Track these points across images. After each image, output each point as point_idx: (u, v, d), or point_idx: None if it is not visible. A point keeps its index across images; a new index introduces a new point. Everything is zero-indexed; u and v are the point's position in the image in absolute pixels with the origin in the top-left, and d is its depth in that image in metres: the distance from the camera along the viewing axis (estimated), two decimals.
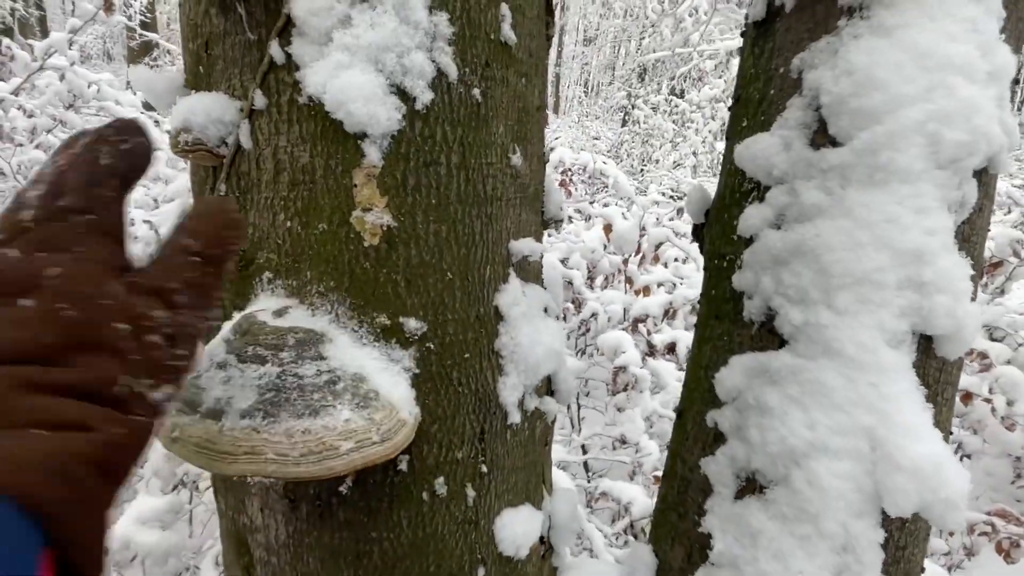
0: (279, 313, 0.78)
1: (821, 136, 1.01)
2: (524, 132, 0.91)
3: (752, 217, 1.09)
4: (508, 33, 0.84)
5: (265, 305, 0.81)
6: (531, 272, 0.96)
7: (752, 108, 1.16)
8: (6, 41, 4.03)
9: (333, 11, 0.73)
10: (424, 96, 0.76)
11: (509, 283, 0.88)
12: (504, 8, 0.83)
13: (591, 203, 4.63)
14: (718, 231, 1.21)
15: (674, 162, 10.94)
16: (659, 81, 11.30)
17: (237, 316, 0.82)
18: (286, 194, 0.80)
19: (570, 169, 4.90)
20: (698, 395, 1.17)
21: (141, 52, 12.96)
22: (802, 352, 0.99)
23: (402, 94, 0.76)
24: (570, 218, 4.26)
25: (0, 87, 3.92)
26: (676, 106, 11.18)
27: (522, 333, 0.88)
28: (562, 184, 4.79)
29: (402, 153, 0.77)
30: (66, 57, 3.90)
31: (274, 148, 0.80)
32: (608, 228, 3.30)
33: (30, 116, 4.38)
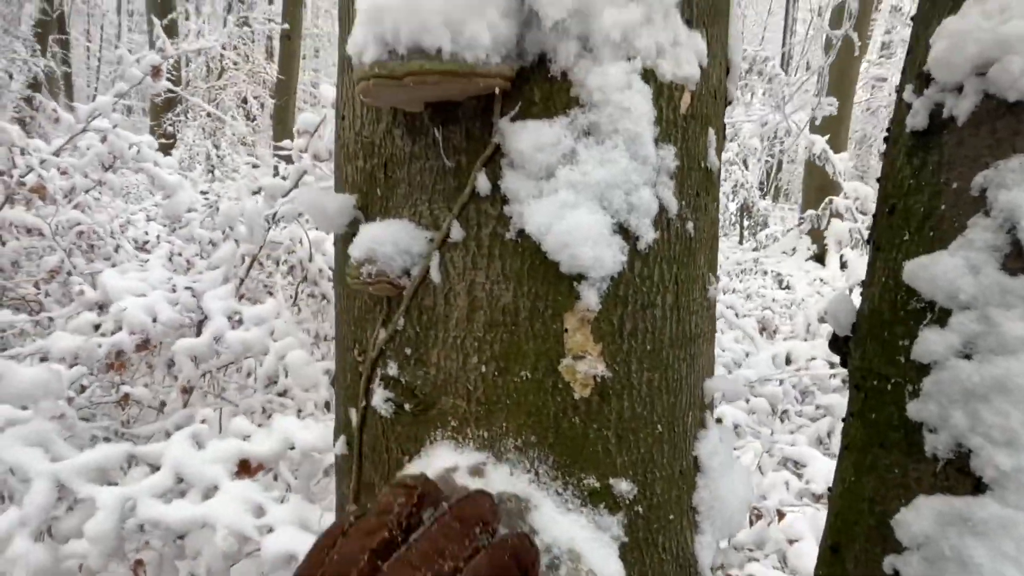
0: (476, 472, 0.69)
1: (1016, 261, 0.94)
2: (714, 258, 0.84)
3: (933, 343, 1.01)
4: (713, 159, 0.78)
5: (451, 459, 0.72)
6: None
7: (916, 222, 1.10)
8: (52, 104, 4.04)
9: (559, 146, 0.67)
10: (648, 235, 0.69)
11: (708, 429, 0.80)
12: (711, 133, 0.78)
13: None
14: (875, 349, 1.13)
15: None
16: None
17: (415, 467, 0.73)
18: (481, 335, 0.72)
19: None
20: (861, 531, 1.07)
21: (164, 107, 13.18)
22: (1014, 502, 0.89)
23: (625, 233, 0.69)
24: None
25: (43, 148, 3.91)
26: None
27: (721, 485, 0.78)
28: None
29: (620, 296, 0.69)
30: (109, 120, 3.91)
31: (469, 284, 0.72)
32: None
33: (63, 173, 4.36)
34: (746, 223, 11.43)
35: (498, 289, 0.71)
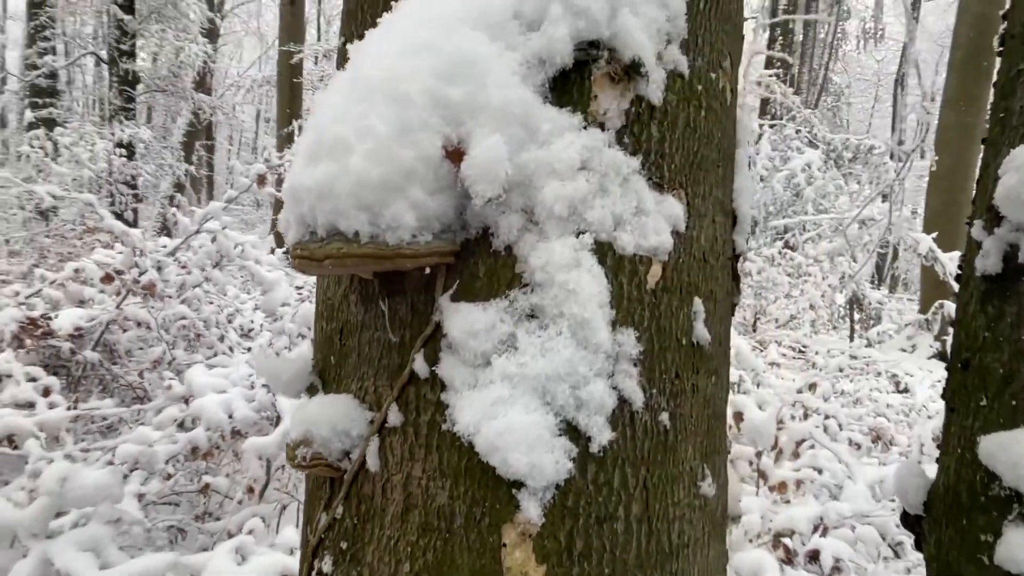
0: None
1: None
2: (714, 444, 0.71)
3: (1021, 549, 0.81)
4: (701, 332, 0.67)
5: None
6: None
7: (994, 386, 0.91)
8: (171, 209, 4.47)
9: (494, 331, 0.59)
10: (602, 435, 0.58)
11: None
12: (697, 303, 0.67)
13: None
14: (952, 539, 0.92)
15: (791, 316, 10.35)
16: (771, 233, 11.02)
17: None
18: (415, 539, 0.62)
19: None
20: None
21: (278, 206, 14.36)
22: None
23: (574, 433, 0.59)
24: None
25: (161, 247, 4.30)
26: (791, 259, 10.79)
27: None
28: None
29: (569, 507, 0.58)
30: (220, 222, 4.25)
31: (405, 476, 0.64)
32: (738, 417, 2.95)
33: (183, 267, 4.75)
34: (857, 316, 10.63)
35: (434, 487, 0.62)
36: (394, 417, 0.65)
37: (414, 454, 0.64)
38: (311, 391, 0.77)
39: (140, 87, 11.51)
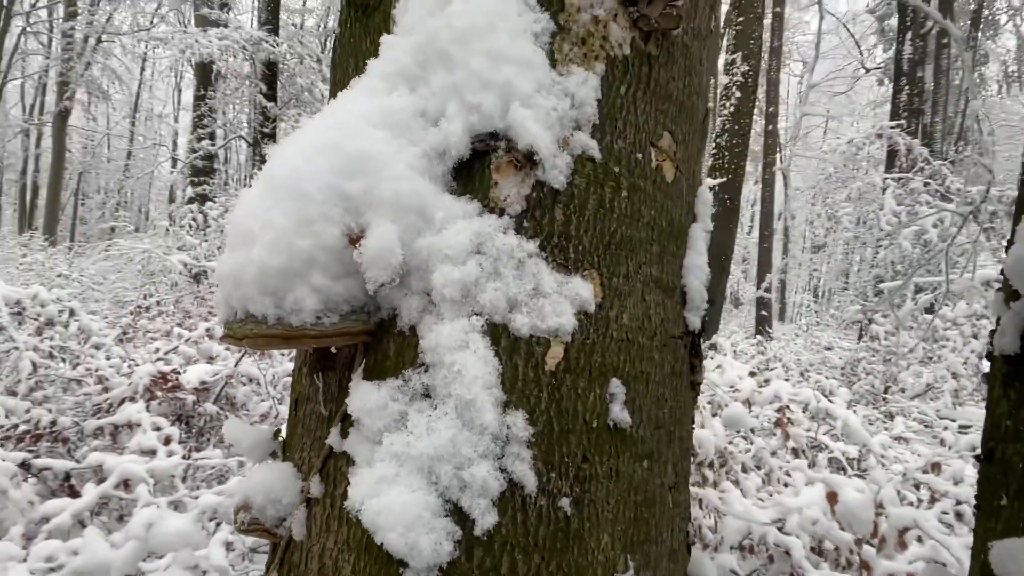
0: None
1: None
2: (644, 533, 0.67)
3: None
4: (620, 414, 0.65)
5: None
6: None
7: (1017, 481, 0.80)
8: None
9: (387, 409, 0.61)
10: (486, 518, 0.58)
11: None
12: (615, 384, 0.66)
13: (812, 459, 3.94)
14: None
15: (927, 386, 9.33)
16: (902, 295, 10.11)
17: None
18: None
19: (787, 406, 4.31)
20: None
21: None
22: None
23: (459, 515, 0.59)
24: (788, 473, 3.61)
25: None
26: (926, 322, 9.82)
27: None
28: (778, 424, 4.20)
29: None
30: None
31: (321, 548, 0.66)
32: (832, 498, 2.68)
33: None
34: None
35: (342, 559, 0.64)
36: (315, 488, 0.68)
37: (330, 525, 0.66)
38: (274, 456, 0.82)
39: None
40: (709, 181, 1.12)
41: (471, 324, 0.61)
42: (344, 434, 0.66)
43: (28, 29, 20.12)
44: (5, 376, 3.88)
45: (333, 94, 0.82)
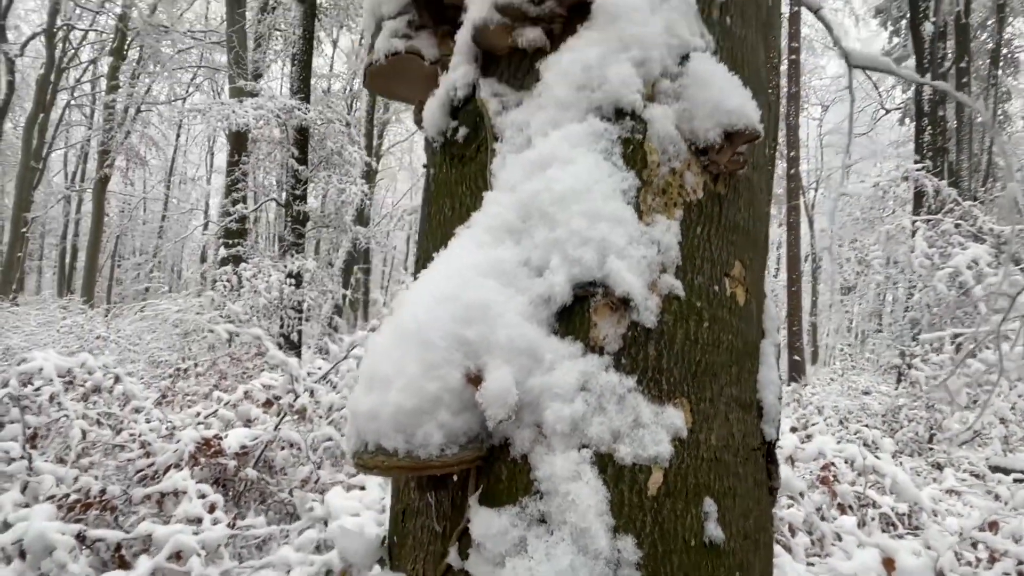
0: None
1: None
2: None
3: None
4: (714, 531, 0.72)
5: None
6: None
7: None
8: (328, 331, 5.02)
9: (508, 535, 0.68)
10: None
11: None
12: (708, 503, 0.72)
13: (861, 517, 3.87)
14: None
15: (974, 433, 9.05)
16: (939, 339, 9.92)
17: None
18: None
19: (832, 463, 4.25)
20: None
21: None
22: None
23: None
24: (838, 535, 3.54)
25: (314, 371, 4.81)
26: (968, 365, 9.59)
27: None
28: (823, 482, 4.13)
29: None
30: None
31: None
32: (888, 564, 2.64)
33: (333, 387, 5.24)
34: None
35: None
36: None
37: None
38: (381, 563, 0.89)
39: (309, 224, 13.18)
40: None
41: (581, 456, 0.68)
42: (464, 555, 0.73)
43: (72, 102, 21.24)
44: (56, 444, 4.00)
45: (426, 230, 0.92)
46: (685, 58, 0.81)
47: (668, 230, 0.76)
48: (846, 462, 4.37)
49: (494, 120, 0.84)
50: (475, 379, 0.71)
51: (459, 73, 0.88)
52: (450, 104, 0.89)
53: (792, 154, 15.97)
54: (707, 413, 0.75)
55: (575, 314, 0.73)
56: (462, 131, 0.87)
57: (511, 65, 0.86)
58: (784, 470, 3.07)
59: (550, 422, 0.69)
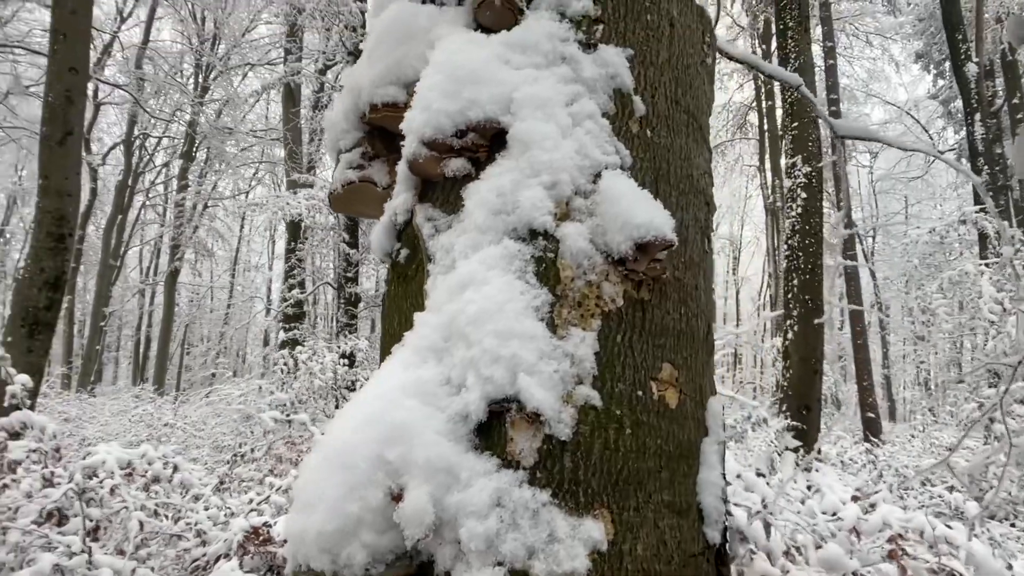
0: None
1: None
2: None
3: None
4: None
5: None
6: None
7: None
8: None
9: None
10: None
11: None
12: None
13: None
14: None
15: None
16: None
17: None
18: None
19: (901, 535, 3.96)
20: None
21: None
22: None
23: None
24: None
25: None
26: None
27: None
28: (891, 556, 3.84)
29: None
30: None
31: None
32: None
33: None
34: None
35: None
36: None
37: None
38: None
39: (361, 305, 13.59)
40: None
41: (495, 573, 0.70)
42: None
43: (147, 203, 22.94)
44: (116, 535, 4.14)
45: (383, 341, 0.98)
46: (598, 176, 0.86)
47: (583, 341, 0.79)
48: (916, 532, 4.07)
49: (427, 243, 0.90)
50: (398, 497, 0.74)
51: (399, 200, 0.95)
52: (394, 227, 0.96)
53: (843, 204, 15.64)
54: (632, 522, 0.75)
55: (493, 429, 0.76)
56: (403, 252, 0.94)
57: (444, 191, 0.93)
58: (833, 548, 2.86)
59: (465, 540, 0.71)
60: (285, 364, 10.91)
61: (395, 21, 0.98)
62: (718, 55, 2.01)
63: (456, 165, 0.90)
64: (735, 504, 1.89)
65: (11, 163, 21.64)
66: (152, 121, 20.01)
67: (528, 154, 0.84)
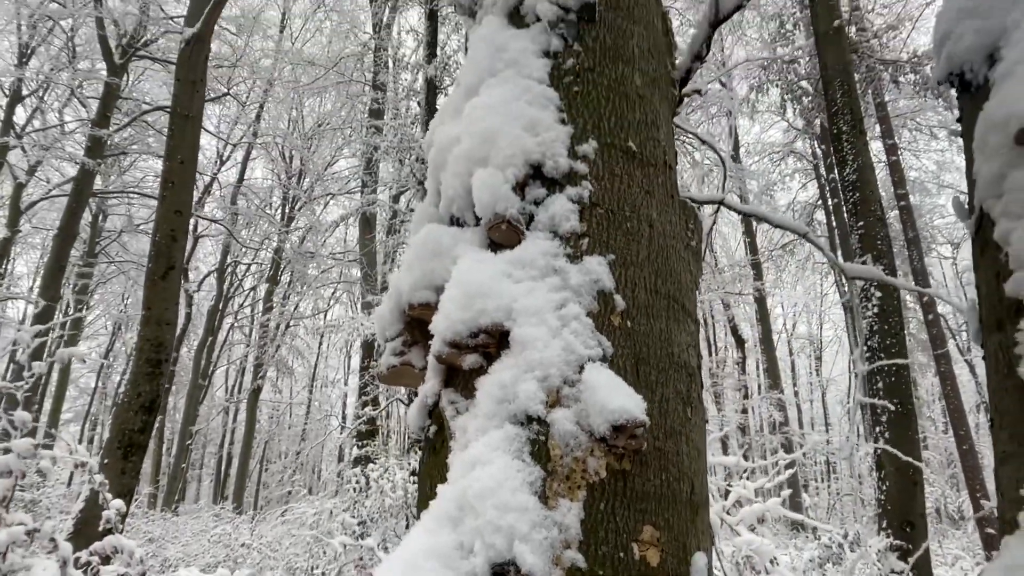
0: None
1: None
2: None
3: None
4: None
5: None
6: None
7: None
8: None
9: None
10: None
11: None
12: None
13: None
14: None
15: None
16: None
17: None
18: None
19: None
20: None
21: None
22: None
23: None
24: None
25: None
26: None
27: None
28: None
29: None
30: None
31: None
32: None
33: None
34: None
35: None
36: None
37: None
38: None
39: None
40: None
41: None
42: None
43: (235, 324, 24.54)
44: None
45: (418, 503, 1.18)
46: (583, 367, 1.06)
47: (570, 511, 0.96)
48: None
49: (450, 423, 1.12)
50: None
51: (429, 385, 1.19)
52: (425, 407, 1.19)
53: (926, 299, 15.03)
54: None
55: None
56: (432, 428, 1.16)
57: (463, 379, 1.16)
58: None
59: None
60: (357, 482, 11.09)
61: (427, 240, 1.26)
62: (725, 207, 2.24)
63: (471, 360, 1.13)
64: None
65: (118, 292, 23.84)
66: (243, 249, 21.83)
67: (524, 353, 1.06)
